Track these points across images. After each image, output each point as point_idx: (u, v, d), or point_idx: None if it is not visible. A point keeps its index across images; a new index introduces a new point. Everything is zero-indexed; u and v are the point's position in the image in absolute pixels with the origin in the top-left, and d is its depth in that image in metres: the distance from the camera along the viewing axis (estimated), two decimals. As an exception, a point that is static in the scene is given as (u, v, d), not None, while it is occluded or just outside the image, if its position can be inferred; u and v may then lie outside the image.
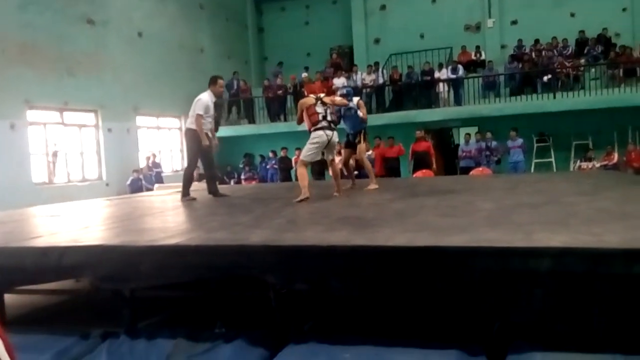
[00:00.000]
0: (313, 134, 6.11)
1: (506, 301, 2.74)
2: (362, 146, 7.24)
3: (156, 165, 14.41)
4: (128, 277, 3.45)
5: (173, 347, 3.13)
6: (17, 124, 11.24)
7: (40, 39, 11.75)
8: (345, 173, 7.61)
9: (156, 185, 12.92)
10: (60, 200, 9.17)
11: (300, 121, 6.46)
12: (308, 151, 6.12)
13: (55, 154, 12.22)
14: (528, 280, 2.65)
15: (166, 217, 5.48)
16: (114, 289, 3.60)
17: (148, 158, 14.36)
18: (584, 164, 13.61)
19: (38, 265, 3.58)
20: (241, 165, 16.31)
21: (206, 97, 6.84)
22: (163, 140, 16.13)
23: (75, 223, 5.27)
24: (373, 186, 7.02)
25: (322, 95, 6.54)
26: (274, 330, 3.26)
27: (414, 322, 3.37)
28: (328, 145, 6.20)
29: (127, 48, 14.22)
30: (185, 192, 7.03)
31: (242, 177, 15.93)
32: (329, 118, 6.18)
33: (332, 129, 6.18)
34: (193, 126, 6.76)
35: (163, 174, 14.52)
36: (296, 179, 6.76)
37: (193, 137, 6.79)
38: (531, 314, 2.68)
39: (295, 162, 11.23)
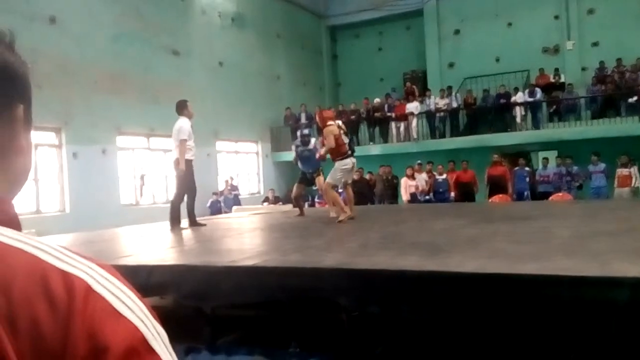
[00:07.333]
0: (342, 162, 6.72)
1: (581, 332, 2.71)
2: (320, 179, 7.74)
3: (234, 188, 14.93)
4: (209, 296, 3.66)
5: (250, 363, 3.29)
6: (108, 149, 12.05)
7: (128, 69, 12.57)
8: (295, 206, 8.46)
9: (234, 208, 13.37)
10: (146, 221, 9.70)
11: (330, 149, 6.78)
12: (337, 176, 6.74)
13: (142, 177, 12.96)
14: (604, 312, 2.61)
15: (244, 239, 5.73)
16: (196, 306, 3.82)
17: (227, 181, 14.91)
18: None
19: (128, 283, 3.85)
20: (315, 189, 16.55)
21: (187, 124, 6.79)
22: (241, 164, 16.70)
23: (161, 243, 5.61)
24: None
25: (339, 122, 7.14)
26: (346, 352, 3.35)
27: (486, 349, 3.36)
28: (351, 170, 6.94)
29: (208, 77, 14.94)
30: (194, 221, 6.92)
31: (317, 200, 16.18)
32: (352, 147, 6.92)
33: (352, 157, 6.86)
34: (186, 155, 6.73)
35: (240, 197, 15.02)
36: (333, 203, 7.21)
37: (186, 165, 6.74)
38: (607, 346, 2.64)
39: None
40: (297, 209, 8.31)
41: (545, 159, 13.81)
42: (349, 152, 6.78)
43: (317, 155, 7.36)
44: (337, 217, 6.69)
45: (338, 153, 6.71)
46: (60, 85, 10.94)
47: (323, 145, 7.06)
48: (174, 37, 14.02)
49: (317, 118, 7.25)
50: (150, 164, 13.29)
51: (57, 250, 0.54)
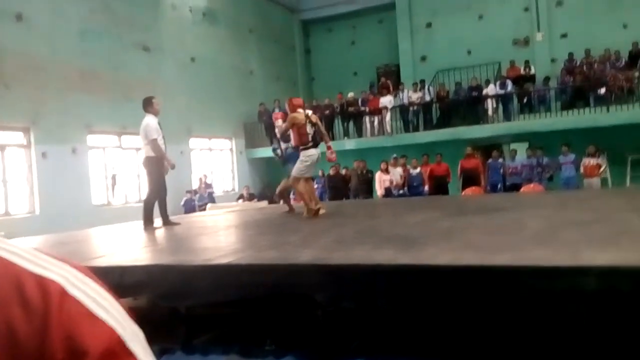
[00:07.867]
0: (306, 152, 6.62)
1: (553, 321, 2.75)
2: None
3: (208, 185, 14.81)
4: (184, 295, 3.62)
5: (226, 362, 3.27)
6: (78, 148, 11.83)
7: (98, 66, 12.36)
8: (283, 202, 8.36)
9: (209, 205, 13.27)
10: (119, 221, 9.57)
11: (285, 134, 6.94)
12: (301, 169, 6.62)
13: (114, 177, 12.76)
14: (574, 300, 2.66)
15: (219, 237, 5.68)
16: (171, 306, 3.78)
17: (201, 179, 14.79)
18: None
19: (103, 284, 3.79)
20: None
21: (153, 121, 6.74)
22: (215, 162, 16.58)
23: (134, 243, 5.54)
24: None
25: (309, 112, 6.98)
26: (322, 347, 3.35)
27: (461, 341, 3.39)
28: (316, 163, 6.84)
29: (180, 73, 14.77)
30: (166, 220, 6.94)
31: (292, 196, 16.13)
32: (315, 137, 6.76)
33: (317, 148, 6.75)
34: (152, 153, 6.67)
35: (215, 195, 14.91)
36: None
37: (155, 163, 6.72)
38: (577, 333, 2.68)
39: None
40: (285, 207, 8.10)
41: (514, 151, 13.93)
42: (311, 143, 6.67)
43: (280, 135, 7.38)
44: (307, 212, 6.70)
45: (300, 142, 6.68)
46: (28, 84, 10.71)
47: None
48: (145, 33, 13.81)
49: (287, 106, 7.18)
50: (122, 163, 13.10)
51: (29, 254, 0.54)
